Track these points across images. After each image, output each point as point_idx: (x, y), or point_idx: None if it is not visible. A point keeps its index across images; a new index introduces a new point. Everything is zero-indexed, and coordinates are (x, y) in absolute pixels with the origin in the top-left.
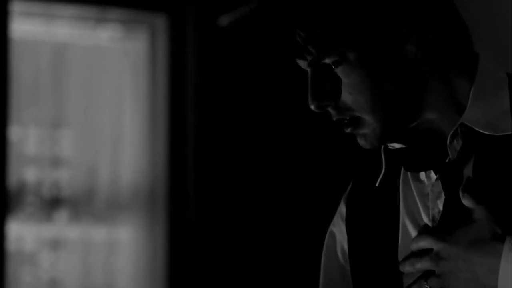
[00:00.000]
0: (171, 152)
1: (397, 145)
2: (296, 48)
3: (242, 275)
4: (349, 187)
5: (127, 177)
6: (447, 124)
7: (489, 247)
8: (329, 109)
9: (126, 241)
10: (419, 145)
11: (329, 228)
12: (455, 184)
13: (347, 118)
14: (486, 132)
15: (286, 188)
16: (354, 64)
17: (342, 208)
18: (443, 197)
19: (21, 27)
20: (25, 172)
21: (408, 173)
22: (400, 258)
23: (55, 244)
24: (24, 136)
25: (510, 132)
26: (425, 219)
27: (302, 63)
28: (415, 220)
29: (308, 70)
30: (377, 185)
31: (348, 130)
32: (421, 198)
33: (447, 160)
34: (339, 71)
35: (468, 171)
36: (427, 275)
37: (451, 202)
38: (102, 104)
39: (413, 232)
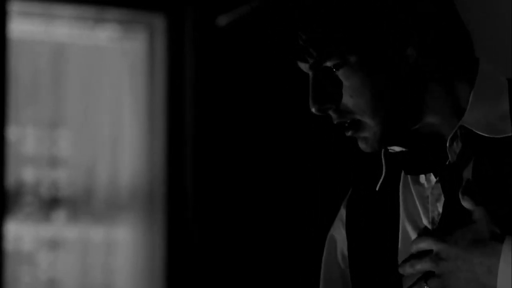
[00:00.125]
0: (169, 152)
1: (397, 149)
2: (297, 49)
3: (240, 275)
4: (349, 192)
5: (125, 177)
6: (447, 127)
7: (489, 247)
8: (330, 112)
9: (124, 241)
10: (419, 148)
11: (329, 232)
12: (454, 187)
13: (348, 121)
14: (486, 134)
15: (286, 189)
16: (355, 67)
17: (342, 213)
18: (443, 199)
19: (19, 27)
20: (23, 172)
21: (408, 176)
22: (400, 261)
23: (53, 244)
24: (23, 136)
25: (509, 134)
26: (425, 222)
27: (304, 66)
28: (415, 223)
29: (310, 73)
30: (377, 189)
31: (349, 133)
32: (421, 201)
33: (446, 163)
34: (340, 74)
35: (467, 173)
36: (427, 276)
37: (451, 204)
38: (100, 104)
39: (413, 235)
